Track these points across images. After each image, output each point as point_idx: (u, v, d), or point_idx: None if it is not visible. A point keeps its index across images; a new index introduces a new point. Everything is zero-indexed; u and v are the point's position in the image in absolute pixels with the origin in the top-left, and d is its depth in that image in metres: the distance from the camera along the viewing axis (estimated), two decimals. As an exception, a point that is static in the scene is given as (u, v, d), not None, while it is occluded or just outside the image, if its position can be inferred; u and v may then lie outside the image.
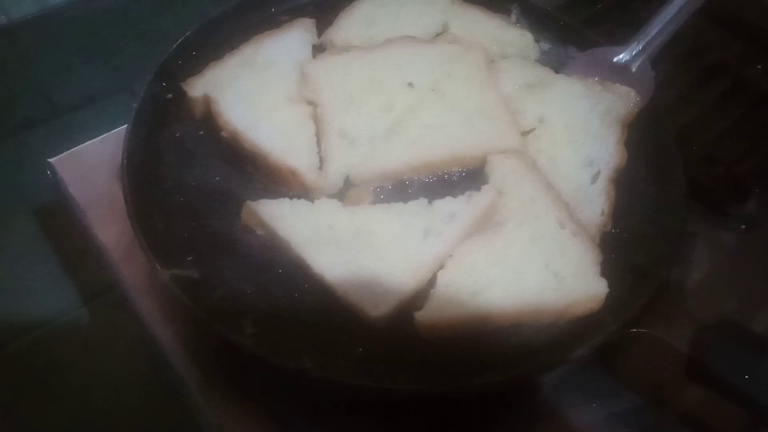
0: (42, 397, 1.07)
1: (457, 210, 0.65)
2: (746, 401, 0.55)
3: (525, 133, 0.73)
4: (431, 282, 0.61)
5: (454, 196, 0.66)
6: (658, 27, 0.75)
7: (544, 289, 0.60)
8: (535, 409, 0.62)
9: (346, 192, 0.68)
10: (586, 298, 0.59)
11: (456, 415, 0.60)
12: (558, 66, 0.81)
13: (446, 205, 0.65)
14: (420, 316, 0.58)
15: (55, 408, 1.07)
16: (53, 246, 1.20)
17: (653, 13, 0.77)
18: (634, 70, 0.74)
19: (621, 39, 0.89)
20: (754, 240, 0.77)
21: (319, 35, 0.82)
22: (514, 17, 0.85)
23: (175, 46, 0.77)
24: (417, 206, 0.65)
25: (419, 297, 0.60)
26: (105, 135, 0.83)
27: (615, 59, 0.75)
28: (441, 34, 0.83)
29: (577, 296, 0.59)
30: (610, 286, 0.60)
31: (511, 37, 0.83)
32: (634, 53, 0.76)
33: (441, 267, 0.61)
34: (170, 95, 0.74)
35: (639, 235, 0.67)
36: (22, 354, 1.11)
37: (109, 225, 0.75)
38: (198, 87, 0.73)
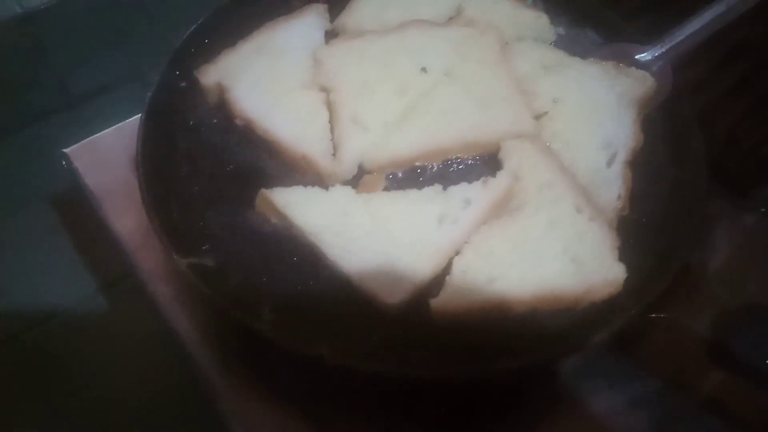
0: (60, 385, 1.09)
1: (472, 196, 0.64)
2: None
3: (539, 116, 0.72)
4: (447, 268, 0.60)
5: (468, 181, 0.66)
6: (686, 34, 0.74)
7: (562, 274, 0.59)
8: (555, 395, 0.62)
9: (359, 179, 0.68)
10: (605, 283, 0.59)
11: (474, 402, 0.59)
12: (576, 50, 0.79)
13: (461, 190, 0.65)
14: (436, 303, 0.57)
15: (74, 395, 1.08)
16: (69, 235, 1.21)
17: (682, 16, 0.76)
18: (654, 69, 0.74)
19: (638, 23, 0.88)
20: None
21: (332, 20, 0.81)
22: (529, -2, 0.84)
23: (187, 34, 0.77)
24: (432, 192, 0.64)
25: (435, 284, 0.59)
26: (119, 124, 0.83)
27: (637, 56, 0.75)
28: (455, 17, 0.82)
29: (596, 281, 0.59)
30: (628, 270, 0.60)
31: (527, 19, 0.81)
32: (656, 54, 0.75)
33: (457, 253, 0.61)
34: (184, 83, 0.74)
35: (658, 218, 0.66)
36: (40, 342, 1.12)
37: (125, 214, 0.75)
38: (211, 75, 0.73)
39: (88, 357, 1.11)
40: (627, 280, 0.59)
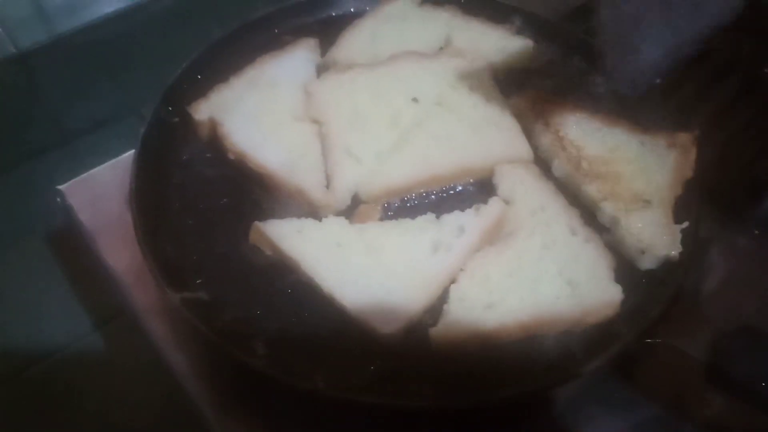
0: (59, 422, 1.07)
1: (465, 223, 0.64)
2: (766, 404, 0.54)
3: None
4: (443, 297, 0.60)
5: (462, 209, 0.66)
6: None
7: (558, 297, 0.59)
8: (554, 423, 0.61)
9: (353, 209, 0.68)
10: (602, 305, 0.59)
11: (474, 426, 0.59)
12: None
13: (455, 218, 0.65)
14: (435, 332, 0.57)
15: (72, 427, 1.06)
16: (64, 272, 1.20)
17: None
18: None
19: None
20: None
21: (323, 55, 0.83)
22: (516, 27, 0.85)
23: (180, 70, 0.78)
24: (425, 221, 0.64)
25: (430, 312, 0.59)
26: (113, 161, 0.83)
27: None
28: (444, 48, 0.83)
29: (593, 303, 0.59)
30: (624, 293, 0.60)
31: (515, 47, 0.82)
32: None
33: (452, 281, 0.61)
34: (177, 119, 0.75)
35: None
36: (38, 380, 1.11)
37: (119, 250, 0.75)
38: (204, 110, 0.74)
39: (87, 393, 1.10)
40: (623, 304, 0.59)
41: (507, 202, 0.67)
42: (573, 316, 0.58)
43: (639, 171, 0.69)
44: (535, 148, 0.73)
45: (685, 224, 0.64)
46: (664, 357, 0.62)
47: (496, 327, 0.57)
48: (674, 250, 0.62)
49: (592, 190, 0.67)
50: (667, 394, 0.63)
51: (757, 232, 0.76)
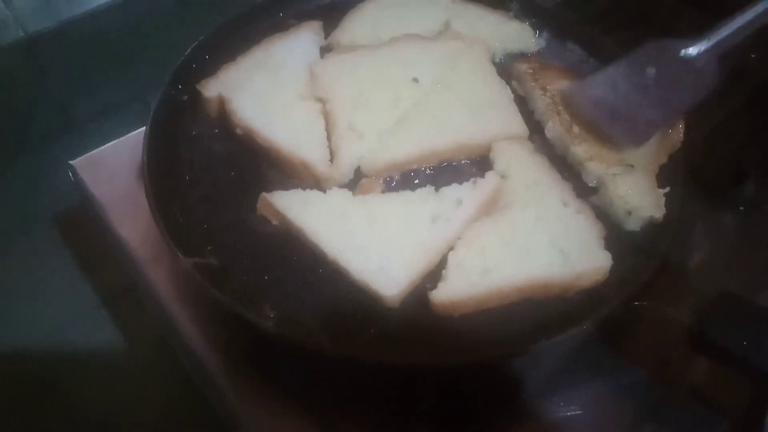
0: (65, 398, 1.10)
1: (463, 196, 0.67)
2: (748, 368, 0.57)
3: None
4: (442, 263, 0.63)
5: (460, 183, 0.69)
6: (732, 29, 0.70)
7: (551, 264, 0.62)
8: (543, 385, 0.64)
9: (356, 182, 0.71)
10: (592, 271, 0.62)
11: (469, 391, 0.62)
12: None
13: (453, 191, 0.68)
14: (434, 295, 0.60)
15: (79, 409, 1.09)
16: (72, 252, 1.23)
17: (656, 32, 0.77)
18: (699, 65, 0.70)
19: (620, 35, 0.92)
20: (753, 221, 0.79)
21: (326, 37, 0.85)
22: (513, 12, 0.88)
23: (189, 50, 0.81)
24: (425, 194, 0.67)
25: (429, 278, 0.62)
26: (124, 137, 0.86)
27: (682, 53, 0.71)
28: (444, 31, 0.86)
29: (583, 269, 0.62)
30: (613, 261, 0.63)
31: (512, 31, 0.85)
32: (702, 50, 0.70)
33: (450, 249, 0.64)
34: (186, 97, 0.78)
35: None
36: (45, 357, 1.14)
37: (130, 222, 0.78)
38: (212, 88, 0.76)
39: (92, 370, 1.13)
40: (612, 273, 0.62)
41: (503, 176, 0.70)
42: (564, 281, 0.62)
43: None
44: (531, 111, 0.77)
45: (667, 189, 0.68)
46: (650, 323, 0.66)
47: (491, 291, 0.60)
48: (658, 213, 0.66)
49: (579, 150, 0.71)
50: (652, 359, 0.66)
51: (741, 208, 0.80)
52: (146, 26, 1.31)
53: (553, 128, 0.74)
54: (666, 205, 0.67)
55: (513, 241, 0.64)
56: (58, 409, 1.09)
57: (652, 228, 0.66)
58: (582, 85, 0.76)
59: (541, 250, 0.63)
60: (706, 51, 0.70)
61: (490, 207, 0.67)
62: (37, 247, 1.24)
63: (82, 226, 1.06)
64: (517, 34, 0.86)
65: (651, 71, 0.71)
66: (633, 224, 0.67)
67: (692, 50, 0.70)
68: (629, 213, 0.67)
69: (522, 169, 0.70)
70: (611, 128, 0.72)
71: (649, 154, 0.71)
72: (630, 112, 0.71)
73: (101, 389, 1.11)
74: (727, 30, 0.70)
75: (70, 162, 0.85)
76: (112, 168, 0.83)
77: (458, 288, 0.60)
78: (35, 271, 1.22)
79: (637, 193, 0.67)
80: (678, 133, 0.73)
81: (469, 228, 0.65)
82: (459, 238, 0.64)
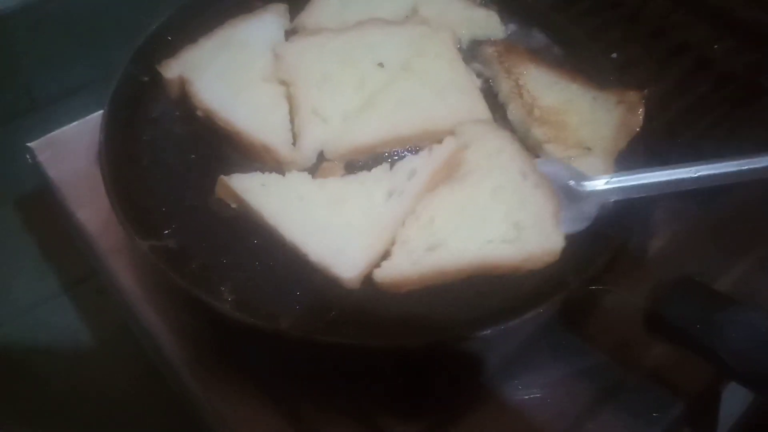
0: (26, 383, 1.08)
1: (417, 166, 0.67)
2: (703, 352, 0.57)
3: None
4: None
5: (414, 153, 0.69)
6: (639, 181, 0.65)
7: (503, 240, 0.62)
8: (502, 368, 0.64)
9: (317, 167, 0.70)
10: (543, 252, 0.62)
11: (427, 372, 0.62)
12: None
13: (407, 163, 0.68)
14: (378, 273, 0.60)
15: (42, 395, 1.07)
16: (33, 236, 1.21)
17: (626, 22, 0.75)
18: (584, 200, 0.65)
19: (584, 25, 0.93)
20: (714, 209, 0.80)
21: (292, 20, 0.84)
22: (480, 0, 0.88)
23: (150, 30, 0.79)
24: (380, 171, 0.67)
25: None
26: (83, 119, 0.85)
27: (571, 182, 0.65)
28: (411, 16, 0.85)
29: (534, 249, 0.62)
30: (572, 247, 0.63)
31: (478, 17, 0.85)
32: (591, 189, 0.65)
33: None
34: (146, 78, 0.76)
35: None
36: (6, 342, 1.12)
37: (88, 204, 0.76)
38: (173, 69, 0.75)
39: (54, 356, 1.11)
40: (568, 255, 0.62)
41: (465, 147, 0.69)
42: (515, 261, 0.61)
43: (586, 122, 0.73)
44: (495, 94, 0.77)
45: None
46: (609, 306, 0.66)
47: (436, 268, 0.60)
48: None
49: (539, 133, 0.71)
50: (612, 341, 0.67)
51: (701, 197, 0.81)
52: (114, 5, 1.27)
53: (515, 110, 0.74)
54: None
55: (466, 212, 0.63)
56: (20, 395, 1.08)
57: (611, 212, 0.66)
58: None
59: (494, 223, 0.63)
60: (598, 192, 0.64)
61: (447, 175, 0.67)
62: (-2, 230, 1.21)
63: (44, 211, 1.04)
64: (483, 21, 0.85)
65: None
66: (588, 207, 0.65)
67: (586, 184, 0.65)
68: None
69: (484, 138, 0.69)
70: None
71: (608, 137, 0.71)
72: None
73: (63, 374, 1.09)
74: (631, 180, 0.65)
75: (28, 144, 0.83)
76: (72, 150, 0.82)
77: (402, 265, 0.60)
78: (-4, 254, 1.19)
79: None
80: (638, 116, 0.73)
81: (421, 200, 0.64)
82: (412, 212, 0.64)
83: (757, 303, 0.61)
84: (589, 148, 0.70)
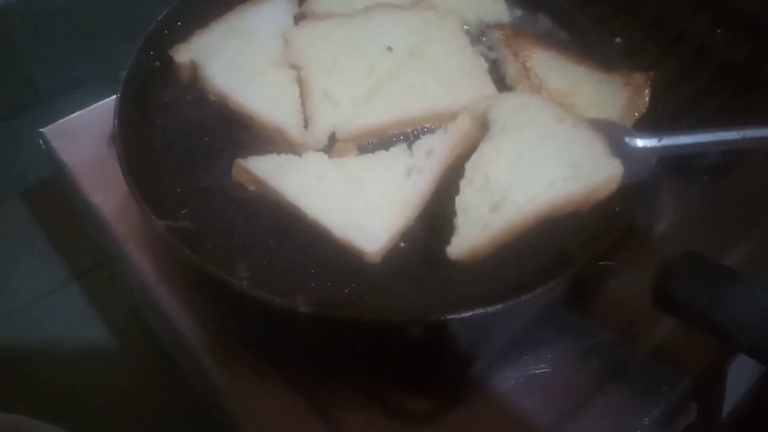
0: (37, 373, 1.09)
1: (434, 144, 0.68)
2: (709, 326, 0.59)
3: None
4: (450, 213, 0.63)
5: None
6: (687, 141, 0.68)
7: (564, 179, 0.62)
8: (511, 344, 0.66)
9: (330, 148, 0.71)
10: (605, 180, 0.63)
11: (438, 347, 0.63)
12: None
13: (425, 142, 0.69)
14: (451, 251, 0.60)
15: (51, 384, 1.08)
16: (41, 227, 1.22)
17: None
18: (639, 156, 0.68)
19: (592, 9, 0.94)
20: (718, 189, 0.82)
21: (300, 5, 0.85)
22: (487, -16, 0.89)
23: (160, 17, 0.80)
24: (398, 150, 0.68)
25: (405, 235, 0.64)
26: (94, 105, 0.85)
27: (627, 138, 0.69)
28: (418, 1, 0.86)
29: (597, 179, 0.63)
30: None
31: (486, 3, 0.86)
32: (647, 146, 0.68)
33: (425, 201, 0.65)
34: (157, 63, 0.77)
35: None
36: (16, 332, 1.12)
37: (102, 189, 0.77)
38: (184, 53, 0.76)
39: (64, 345, 1.12)
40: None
41: (483, 114, 0.69)
42: (580, 195, 0.62)
43: (593, 104, 0.74)
44: (502, 77, 0.78)
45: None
46: (617, 283, 0.68)
47: (505, 227, 0.61)
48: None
49: None
50: (618, 319, 0.68)
51: (706, 178, 0.82)
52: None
53: (522, 92, 0.75)
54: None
55: (519, 163, 0.63)
56: (30, 384, 1.08)
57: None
58: None
59: (550, 166, 0.63)
60: (651, 149, 0.68)
61: (465, 150, 0.68)
62: (6, 221, 1.22)
63: (52, 201, 1.05)
64: (490, 6, 0.86)
65: None
66: None
67: (638, 141, 0.68)
68: None
69: (504, 98, 0.70)
70: None
71: (615, 119, 0.72)
72: None
73: (73, 364, 1.10)
74: (682, 140, 0.68)
75: (41, 130, 0.84)
76: (83, 136, 0.83)
77: (471, 235, 0.60)
78: (5, 245, 1.20)
79: None
80: (644, 98, 0.74)
81: (467, 162, 0.65)
82: (462, 178, 0.63)
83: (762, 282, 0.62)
84: None
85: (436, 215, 0.65)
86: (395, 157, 0.67)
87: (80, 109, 0.89)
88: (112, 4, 1.27)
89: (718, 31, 0.96)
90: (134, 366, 1.10)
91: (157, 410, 1.05)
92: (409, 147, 0.68)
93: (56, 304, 1.16)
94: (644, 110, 0.74)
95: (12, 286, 1.16)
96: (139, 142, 0.70)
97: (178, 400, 0.98)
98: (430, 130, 0.73)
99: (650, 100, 0.75)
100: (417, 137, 0.72)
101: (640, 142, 0.68)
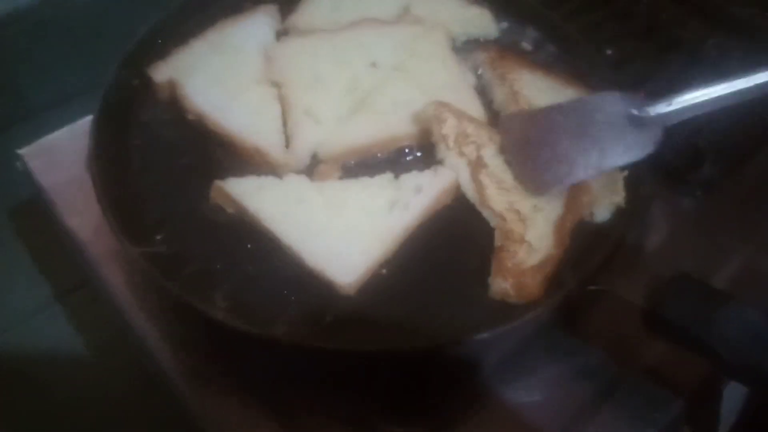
0: (24, 392, 1.07)
1: (423, 183, 0.67)
2: (702, 348, 0.57)
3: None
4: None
5: (419, 170, 0.68)
6: (697, 100, 0.64)
7: None
8: (500, 369, 0.64)
9: (313, 168, 0.70)
10: None
11: (425, 377, 0.62)
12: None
13: (413, 178, 0.67)
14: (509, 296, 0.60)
15: (39, 403, 1.06)
16: (25, 245, 1.20)
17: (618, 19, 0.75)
18: (646, 126, 0.65)
19: (581, 21, 0.92)
20: (711, 205, 0.80)
21: (283, 21, 0.83)
22: (473, -4, 0.87)
23: (140, 34, 0.78)
24: (384, 180, 0.67)
25: (387, 264, 0.62)
26: (72, 125, 0.84)
27: (634, 110, 0.66)
28: (403, 15, 0.84)
29: None
30: (571, 245, 0.63)
31: (471, 16, 0.84)
32: (658, 113, 0.65)
33: (407, 236, 0.63)
34: (136, 81, 0.75)
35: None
36: (1, 352, 1.10)
37: (80, 211, 0.75)
38: (163, 72, 0.74)
39: (48, 366, 1.10)
40: (568, 253, 0.62)
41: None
42: None
43: None
44: (490, 101, 0.76)
45: (625, 172, 0.68)
46: (607, 305, 0.66)
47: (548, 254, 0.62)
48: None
49: None
50: (609, 340, 0.67)
51: (699, 194, 0.81)
52: (109, 11, 1.27)
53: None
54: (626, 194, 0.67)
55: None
56: (17, 403, 1.07)
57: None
58: (517, 117, 0.72)
59: None
60: (663, 115, 0.65)
61: (450, 195, 0.67)
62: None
63: (37, 218, 1.03)
64: (476, 19, 0.85)
65: (599, 117, 0.67)
66: (600, 215, 0.67)
67: (649, 110, 0.65)
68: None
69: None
70: (521, 169, 0.68)
71: None
72: (551, 156, 0.66)
73: (60, 383, 1.08)
74: (693, 97, 0.64)
75: (19, 151, 0.82)
76: (63, 156, 0.81)
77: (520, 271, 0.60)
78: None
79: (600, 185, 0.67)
80: None
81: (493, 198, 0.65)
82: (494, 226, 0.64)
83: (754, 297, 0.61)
84: None
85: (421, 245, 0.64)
86: (380, 187, 0.66)
87: (71, 123, 0.88)
88: (104, 17, 1.26)
89: (711, 41, 0.95)
90: (121, 383, 1.08)
91: (143, 425, 1.04)
92: (396, 177, 0.67)
93: (43, 322, 1.14)
94: None
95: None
96: (115, 163, 0.69)
97: (163, 416, 0.96)
98: (416, 158, 0.72)
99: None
100: (402, 162, 0.71)
101: (651, 110, 0.65)
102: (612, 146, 0.65)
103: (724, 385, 0.68)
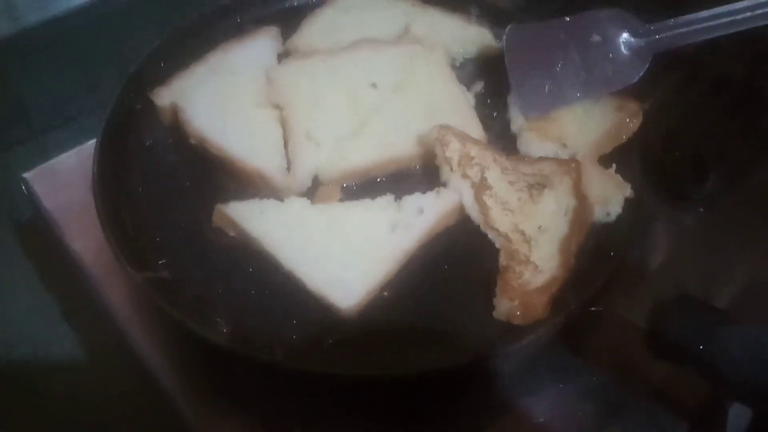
0: (28, 413, 1.07)
1: (425, 205, 0.67)
2: (705, 370, 0.57)
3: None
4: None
5: (420, 190, 0.68)
6: (687, 28, 0.67)
7: None
8: (503, 390, 0.64)
9: (314, 191, 0.70)
10: None
11: (427, 401, 0.61)
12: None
13: (414, 200, 0.67)
14: (515, 319, 0.60)
15: (43, 423, 1.07)
16: (32, 264, 1.20)
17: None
18: (637, 52, 0.68)
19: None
20: (713, 222, 0.80)
21: (284, 43, 0.84)
22: (473, 16, 0.87)
23: (142, 57, 0.79)
24: (385, 202, 0.67)
25: (387, 287, 0.62)
26: (77, 148, 0.85)
27: (627, 33, 0.68)
28: (403, 35, 0.85)
29: None
30: (573, 266, 0.62)
31: (471, 35, 0.85)
32: (649, 37, 0.68)
33: (408, 258, 0.63)
34: (139, 106, 0.76)
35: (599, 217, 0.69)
36: (5, 372, 1.11)
37: (83, 235, 0.76)
38: (165, 96, 0.75)
39: (55, 385, 1.10)
40: (570, 275, 0.62)
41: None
42: None
43: (574, 120, 0.74)
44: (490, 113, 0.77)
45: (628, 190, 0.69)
46: (609, 326, 0.66)
47: (551, 279, 0.62)
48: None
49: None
50: (612, 361, 0.66)
51: (701, 210, 0.80)
52: (113, 31, 1.28)
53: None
54: (624, 206, 0.68)
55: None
56: (22, 419, 1.07)
57: (609, 228, 0.66)
58: (522, 29, 0.75)
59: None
60: (656, 40, 0.68)
61: (453, 217, 0.67)
62: (-2, 257, 1.21)
63: (43, 238, 1.04)
64: (476, 39, 0.85)
65: (596, 39, 0.70)
66: (614, 211, 0.68)
67: (645, 31, 0.68)
68: None
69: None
70: (518, 85, 0.72)
71: (592, 141, 0.72)
72: (547, 76, 0.71)
73: (63, 398, 1.09)
74: (682, 27, 0.68)
75: (24, 175, 0.83)
76: (67, 180, 0.81)
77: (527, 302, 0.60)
78: (-2, 282, 1.19)
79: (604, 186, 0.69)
80: (633, 124, 0.74)
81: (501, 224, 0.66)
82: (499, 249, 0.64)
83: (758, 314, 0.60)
84: (564, 145, 0.71)
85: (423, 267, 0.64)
86: (381, 209, 0.66)
87: (74, 143, 0.88)
88: (107, 37, 1.27)
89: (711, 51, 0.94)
90: (126, 403, 1.09)
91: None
92: (397, 200, 0.67)
93: (47, 343, 1.14)
94: (631, 135, 0.73)
95: (2, 323, 1.15)
96: (119, 188, 0.69)
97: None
98: (418, 179, 0.72)
99: (641, 126, 0.74)
100: (403, 183, 0.71)
101: (646, 32, 0.68)
102: (601, 68, 0.69)
103: (729, 405, 0.68)
